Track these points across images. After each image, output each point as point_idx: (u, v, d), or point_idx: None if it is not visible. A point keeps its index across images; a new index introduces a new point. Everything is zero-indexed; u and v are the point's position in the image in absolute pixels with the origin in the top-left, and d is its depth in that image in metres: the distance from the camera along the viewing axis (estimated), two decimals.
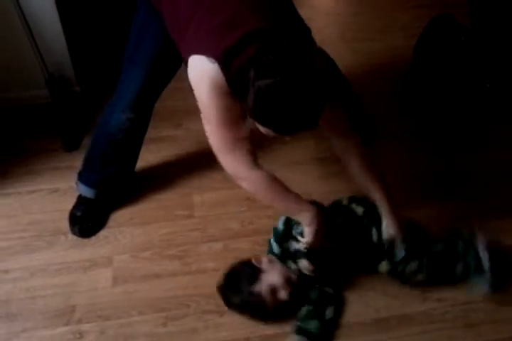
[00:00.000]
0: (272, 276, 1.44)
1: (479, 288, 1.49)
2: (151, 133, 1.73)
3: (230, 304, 1.47)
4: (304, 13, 1.49)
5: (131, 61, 1.51)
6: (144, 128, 1.68)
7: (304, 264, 1.45)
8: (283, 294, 1.42)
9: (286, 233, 1.52)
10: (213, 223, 1.74)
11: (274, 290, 1.42)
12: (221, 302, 1.50)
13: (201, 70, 1.21)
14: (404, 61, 2.36)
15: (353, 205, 1.58)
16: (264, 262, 1.48)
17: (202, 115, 1.28)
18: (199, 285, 1.56)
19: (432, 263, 1.49)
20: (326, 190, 1.78)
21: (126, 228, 1.73)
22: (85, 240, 1.69)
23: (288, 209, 1.45)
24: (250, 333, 1.45)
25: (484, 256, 1.47)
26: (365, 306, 1.50)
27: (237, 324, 1.47)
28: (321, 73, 1.12)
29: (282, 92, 1.06)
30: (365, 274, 1.57)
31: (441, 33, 2.23)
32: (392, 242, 1.50)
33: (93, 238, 1.70)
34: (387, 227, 1.50)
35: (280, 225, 1.54)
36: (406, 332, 1.44)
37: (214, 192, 1.83)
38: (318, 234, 1.40)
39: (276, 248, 1.52)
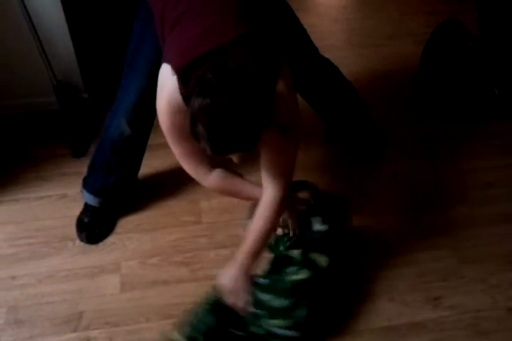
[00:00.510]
0: None
1: None
2: (155, 139, 1.73)
3: None
4: (311, 19, 1.51)
5: (130, 67, 1.51)
6: (146, 134, 1.67)
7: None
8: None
9: None
10: (221, 229, 1.73)
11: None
12: None
13: (163, 82, 1.23)
14: (411, 67, 2.35)
15: None
16: None
17: (162, 126, 1.31)
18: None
19: None
20: None
21: (134, 234, 1.73)
22: (93, 246, 1.69)
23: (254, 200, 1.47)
24: None
25: None
26: (375, 313, 1.49)
27: None
28: (264, 102, 1.09)
29: (210, 114, 1.06)
30: (373, 280, 1.56)
31: (448, 39, 2.22)
32: None
33: (101, 244, 1.70)
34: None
35: None
36: (417, 340, 1.43)
37: (221, 198, 1.82)
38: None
39: None
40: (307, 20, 1.63)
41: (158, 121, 1.62)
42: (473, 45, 2.14)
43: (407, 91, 2.28)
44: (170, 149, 1.96)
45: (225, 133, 1.07)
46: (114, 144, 1.61)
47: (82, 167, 1.85)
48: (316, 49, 1.72)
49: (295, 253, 1.47)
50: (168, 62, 1.20)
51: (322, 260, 1.45)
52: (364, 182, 1.89)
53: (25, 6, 1.73)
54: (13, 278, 1.60)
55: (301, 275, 1.40)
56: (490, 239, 1.68)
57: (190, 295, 1.54)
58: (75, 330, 1.47)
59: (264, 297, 1.36)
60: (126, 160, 1.69)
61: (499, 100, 2.11)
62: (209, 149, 1.11)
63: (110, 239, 1.71)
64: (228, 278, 1.36)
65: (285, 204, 1.42)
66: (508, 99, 2.11)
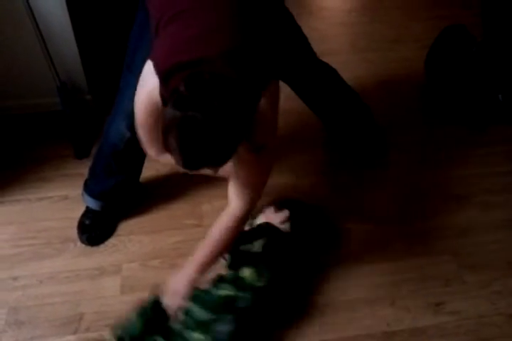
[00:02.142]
0: None
1: None
2: None
3: None
4: (315, 23, 1.51)
5: (129, 69, 1.50)
6: None
7: None
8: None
9: None
10: None
11: None
12: None
13: (145, 79, 1.22)
14: (416, 71, 2.35)
15: None
16: None
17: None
18: None
19: None
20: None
21: (135, 236, 1.73)
22: (94, 248, 1.69)
23: None
24: None
25: None
26: (375, 318, 1.49)
27: None
28: (240, 120, 1.05)
29: (180, 128, 1.02)
30: (374, 285, 1.56)
31: (452, 44, 2.22)
32: None
33: (102, 246, 1.70)
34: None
35: None
36: None
37: (223, 202, 1.79)
38: None
39: None
40: (311, 24, 1.64)
41: None
42: (477, 50, 2.14)
43: (410, 96, 2.28)
44: None
45: (196, 148, 1.03)
46: (114, 148, 1.60)
47: (84, 168, 1.85)
48: (314, 54, 1.71)
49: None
50: (153, 60, 1.19)
51: (253, 278, 1.44)
52: (364, 186, 1.88)
53: (30, 8, 1.74)
54: (15, 278, 1.60)
55: (227, 291, 1.40)
56: (492, 244, 1.68)
57: None
58: (75, 332, 1.47)
59: (193, 307, 1.37)
60: (127, 163, 1.68)
61: (503, 106, 2.11)
62: (180, 163, 1.07)
63: (111, 241, 1.71)
64: (173, 281, 1.41)
65: (246, 220, 1.42)
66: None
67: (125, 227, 1.76)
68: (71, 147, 1.99)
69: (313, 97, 1.83)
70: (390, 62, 2.45)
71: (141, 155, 1.70)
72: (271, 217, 1.61)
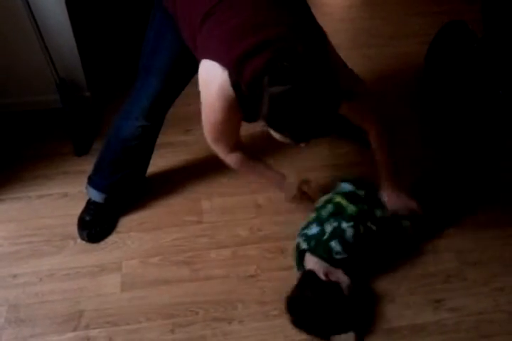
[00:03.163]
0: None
1: None
2: (161, 138, 1.72)
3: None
4: (316, 18, 1.50)
5: (146, 70, 1.49)
6: (156, 134, 1.68)
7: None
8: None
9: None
10: (222, 229, 1.73)
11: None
12: (229, 310, 1.50)
13: (211, 76, 1.22)
14: (416, 67, 2.34)
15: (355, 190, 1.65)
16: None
17: (203, 114, 1.32)
18: (207, 292, 1.55)
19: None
20: None
21: (135, 233, 1.72)
22: (94, 245, 1.69)
23: (272, 183, 1.64)
24: None
25: None
26: (376, 315, 1.48)
27: (245, 332, 1.46)
28: (335, 79, 1.12)
29: (295, 100, 1.07)
30: (374, 282, 1.56)
31: (453, 40, 2.21)
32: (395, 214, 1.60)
33: (102, 243, 1.69)
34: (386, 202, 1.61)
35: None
36: None
37: (223, 198, 1.82)
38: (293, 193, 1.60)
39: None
40: None
41: (165, 122, 1.64)
42: (478, 46, 2.13)
43: (410, 92, 2.27)
44: (173, 148, 1.99)
45: (309, 118, 1.09)
46: (125, 144, 1.61)
47: (84, 165, 1.86)
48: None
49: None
50: (213, 56, 1.19)
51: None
52: None
53: (29, 5, 1.73)
54: (14, 276, 1.60)
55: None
56: (493, 241, 1.67)
57: (191, 295, 1.54)
58: (75, 329, 1.47)
59: None
60: (136, 158, 1.69)
61: (504, 101, 2.10)
62: (290, 137, 1.13)
63: (111, 238, 1.71)
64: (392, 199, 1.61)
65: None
66: None
67: (125, 224, 1.75)
68: (71, 144, 1.99)
69: None
70: (389, 57, 2.44)
71: (149, 151, 1.72)
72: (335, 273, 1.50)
